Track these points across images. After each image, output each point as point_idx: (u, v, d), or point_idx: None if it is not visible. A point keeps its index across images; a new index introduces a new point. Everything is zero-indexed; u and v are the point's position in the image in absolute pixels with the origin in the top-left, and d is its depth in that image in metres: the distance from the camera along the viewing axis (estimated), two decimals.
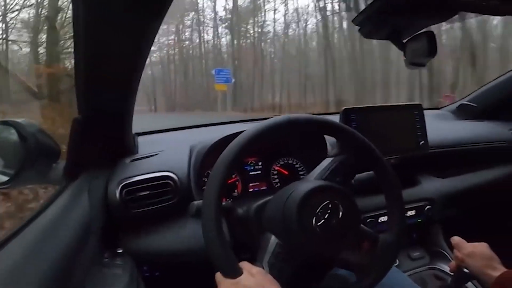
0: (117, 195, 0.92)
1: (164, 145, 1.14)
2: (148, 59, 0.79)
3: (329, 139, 1.15)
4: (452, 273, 0.91)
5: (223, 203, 0.76)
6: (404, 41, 0.66)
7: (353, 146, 0.79)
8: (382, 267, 0.73)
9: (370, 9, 0.59)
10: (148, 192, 0.93)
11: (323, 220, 0.65)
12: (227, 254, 0.61)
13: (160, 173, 0.97)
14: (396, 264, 1.02)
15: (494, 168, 1.43)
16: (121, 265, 0.83)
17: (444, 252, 1.20)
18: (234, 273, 0.60)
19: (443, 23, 0.63)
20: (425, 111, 1.24)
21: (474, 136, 1.42)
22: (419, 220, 1.19)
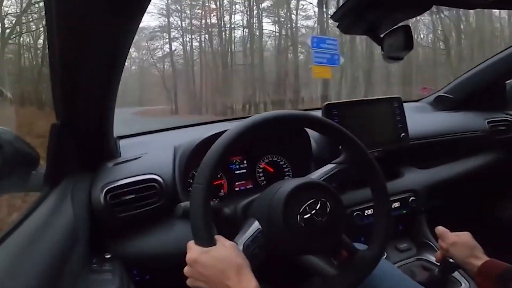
0: (102, 200, 0.90)
1: (147, 148, 1.12)
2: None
3: (314, 136, 1.16)
4: (438, 263, 0.93)
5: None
6: (382, 35, 0.67)
7: (338, 141, 0.80)
8: (350, 280, 0.73)
9: (348, 5, 0.59)
10: (133, 196, 0.92)
11: (308, 217, 0.66)
12: (206, 224, 0.63)
13: (144, 176, 0.95)
14: (384, 257, 1.04)
15: (472, 157, 1.47)
16: (111, 270, 0.82)
17: (430, 242, 1.22)
18: (207, 242, 0.62)
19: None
20: (404, 104, 1.26)
21: (451, 126, 1.46)
22: (404, 212, 1.21)
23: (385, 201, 0.80)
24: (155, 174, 0.97)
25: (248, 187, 1.16)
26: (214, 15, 15.59)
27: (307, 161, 1.14)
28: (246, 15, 15.67)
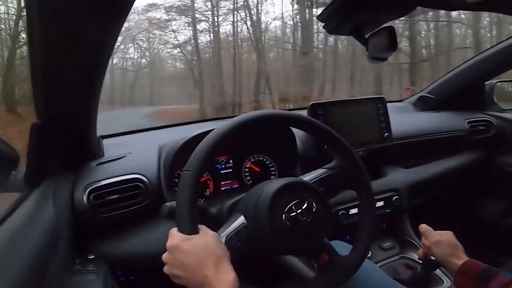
0: (85, 200, 0.88)
1: (132, 147, 1.11)
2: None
3: (299, 136, 1.16)
4: (420, 261, 0.95)
5: None
6: (366, 36, 0.68)
7: (324, 141, 0.80)
8: (328, 283, 0.74)
9: (334, 5, 0.60)
10: (117, 196, 0.91)
11: (293, 216, 0.66)
12: (191, 212, 0.63)
13: (128, 176, 0.94)
14: (368, 255, 1.06)
15: (453, 156, 1.50)
16: (94, 271, 0.80)
17: (412, 241, 1.24)
18: (190, 230, 0.62)
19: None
20: (387, 104, 1.28)
21: (433, 126, 1.49)
22: (387, 211, 1.23)
23: (370, 204, 0.82)
24: (139, 174, 0.95)
25: (234, 186, 1.16)
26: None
27: (293, 161, 1.14)
28: None
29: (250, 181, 1.17)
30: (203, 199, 1.09)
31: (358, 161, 0.81)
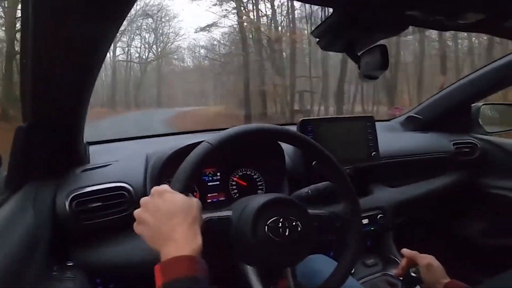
0: (67, 206, 0.87)
1: (118, 155, 1.09)
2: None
3: (288, 151, 1.17)
4: (401, 278, 0.95)
5: None
6: (359, 54, 0.69)
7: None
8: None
9: (327, 22, 0.61)
10: (100, 204, 0.89)
11: (275, 231, 0.66)
12: (190, 176, 0.65)
13: (113, 184, 0.93)
14: (351, 272, 1.05)
15: (437, 177, 1.52)
16: (72, 278, 0.79)
17: (395, 258, 1.25)
18: (181, 189, 0.63)
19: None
20: (376, 123, 1.30)
21: (419, 147, 1.51)
22: (372, 228, 1.23)
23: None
24: (124, 182, 0.94)
25: (220, 199, 1.15)
26: None
27: (281, 176, 1.14)
28: None
29: (237, 194, 1.16)
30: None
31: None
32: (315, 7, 0.62)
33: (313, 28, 0.65)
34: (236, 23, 14.34)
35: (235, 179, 1.17)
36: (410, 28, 0.62)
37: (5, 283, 0.59)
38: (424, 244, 0.95)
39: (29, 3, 0.56)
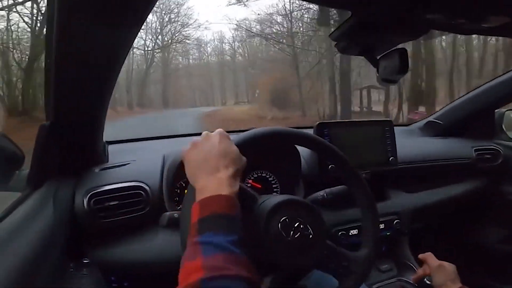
0: (85, 204, 0.89)
1: (136, 155, 1.11)
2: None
3: (303, 155, 1.16)
4: (416, 284, 0.94)
5: None
6: (378, 57, 0.68)
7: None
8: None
9: (345, 25, 0.60)
10: (117, 202, 0.91)
11: (288, 231, 0.66)
12: (253, 141, 0.70)
13: (130, 183, 0.94)
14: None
15: (457, 184, 1.48)
16: (87, 276, 0.80)
17: (410, 264, 1.22)
18: (241, 144, 0.67)
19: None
20: (395, 127, 1.28)
21: (439, 152, 1.47)
22: (387, 234, 1.21)
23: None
24: (142, 182, 0.95)
25: None
26: None
27: (296, 179, 1.14)
28: None
29: None
30: None
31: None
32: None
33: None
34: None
35: (249, 181, 1.18)
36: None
37: (23, 278, 0.61)
38: (440, 250, 0.93)
39: (54, 10, 0.57)
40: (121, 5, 0.57)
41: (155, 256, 0.90)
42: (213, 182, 0.57)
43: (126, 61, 0.80)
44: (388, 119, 1.30)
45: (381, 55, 0.67)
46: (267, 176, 1.19)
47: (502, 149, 1.56)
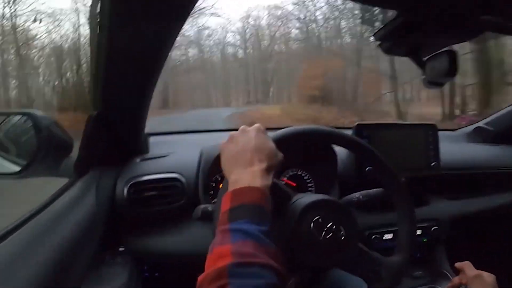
0: (125, 193, 0.92)
1: (175, 147, 1.15)
2: None
3: (340, 155, 1.14)
4: None
5: None
6: (424, 59, 0.65)
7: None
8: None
9: (391, 25, 0.58)
10: (155, 193, 0.94)
11: (319, 230, 0.66)
12: (291, 136, 0.71)
13: (168, 175, 0.97)
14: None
15: (505, 193, 1.39)
16: (122, 264, 0.83)
17: (446, 272, 1.18)
18: (277, 140, 0.68)
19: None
20: (439, 132, 1.22)
21: (488, 160, 1.39)
22: (424, 240, 1.17)
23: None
24: (179, 174, 0.98)
25: None
26: None
27: (332, 179, 1.12)
28: None
29: None
30: None
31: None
32: None
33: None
34: None
35: (284, 179, 1.17)
36: None
37: (63, 261, 0.64)
38: (479, 260, 0.88)
39: (105, 8, 0.60)
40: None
41: (187, 248, 0.93)
42: (246, 174, 0.58)
43: None
44: (432, 122, 1.24)
45: (428, 56, 0.64)
46: (303, 175, 1.18)
47: None
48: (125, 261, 0.85)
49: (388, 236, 1.09)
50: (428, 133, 1.20)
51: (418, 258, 1.25)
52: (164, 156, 1.07)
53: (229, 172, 0.61)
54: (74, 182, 0.87)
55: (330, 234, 0.66)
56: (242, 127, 0.67)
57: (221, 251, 0.46)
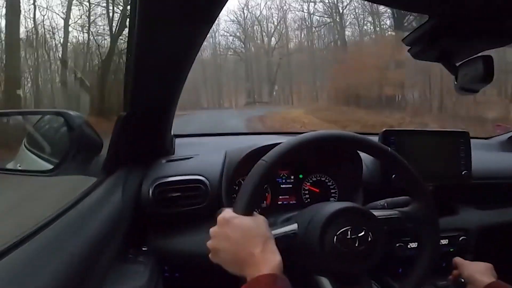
0: (150, 193, 0.94)
1: (200, 149, 1.16)
2: None
3: (365, 162, 1.12)
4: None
5: None
6: (457, 64, 0.63)
7: (394, 170, 0.78)
8: None
9: (421, 29, 0.57)
10: (179, 194, 0.95)
11: (345, 240, 0.65)
12: (252, 195, 0.64)
13: (193, 176, 0.98)
14: None
15: None
16: (144, 263, 0.84)
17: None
18: (245, 210, 0.63)
19: None
20: (472, 140, 1.18)
21: None
22: (451, 250, 1.13)
23: (434, 246, 0.77)
24: (203, 176, 0.99)
25: (291, 202, 1.15)
26: None
27: (356, 186, 1.10)
28: None
29: (308, 200, 1.15)
30: (259, 210, 1.09)
31: (429, 198, 0.76)
32: None
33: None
34: None
35: (307, 185, 1.16)
36: None
37: (87, 258, 0.66)
38: (508, 271, 0.84)
39: (136, 12, 0.62)
40: (197, 3, 0.59)
41: (208, 250, 0.93)
42: (251, 269, 0.57)
43: None
44: (464, 130, 1.20)
45: (461, 62, 0.62)
46: (326, 181, 1.17)
47: None
48: (147, 260, 0.86)
49: (413, 245, 1.06)
50: (459, 141, 1.16)
51: (444, 267, 1.20)
52: (189, 158, 1.09)
53: (239, 273, 0.60)
54: (102, 181, 0.90)
55: (357, 243, 0.65)
56: (218, 218, 0.65)
57: None
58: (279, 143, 0.71)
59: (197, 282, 1.02)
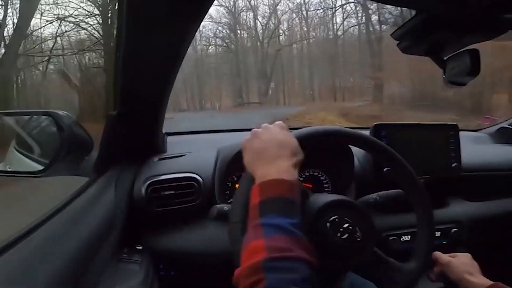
0: (143, 192, 0.94)
1: (192, 147, 1.16)
2: None
3: (357, 156, 1.13)
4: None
5: None
6: (445, 58, 0.64)
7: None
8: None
9: (409, 24, 0.57)
10: (172, 192, 0.95)
11: (336, 231, 0.65)
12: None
13: (185, 174, 0.98)
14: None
15: None
16: (139, 262, 0.84)
17: None
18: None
19: None
20: (461, 132, 1.19)
21: (511, 161, 1.35)
22: (443, 242, 1.15)
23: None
24: (195, 174, 0.99)
25: None
26: None
27: (349, 180, 1.11)
28: None
29: None
30: None
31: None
32: None
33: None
34: None
35: (300, 180, 1.17)
36: None
37: (82, 258, 0.66)
38: (501, 263, 0.86)
39: (123, 11, 0.62)
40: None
41: (202, 247, 0.94)
42: (273, 169, 0.58)
43: None
44: (453, 123, 1.21)
45: (449, 56, 0.63)
46: (319, 175, 1.17)
47: None
48: (142, 259, 0.86)
49: (407, 238, 1.08)
50: (448, 133, 1.17)
51: None
52: (181, 156, 1.09)
53: (255, 167, 0.61)
54: (94, 180, 0.89)
55: (346, 235, 0.65)
56: (264, 124, 0.67)
57: (255, 246, 0.47)
58: None
59: (193, 279, 1.02)
